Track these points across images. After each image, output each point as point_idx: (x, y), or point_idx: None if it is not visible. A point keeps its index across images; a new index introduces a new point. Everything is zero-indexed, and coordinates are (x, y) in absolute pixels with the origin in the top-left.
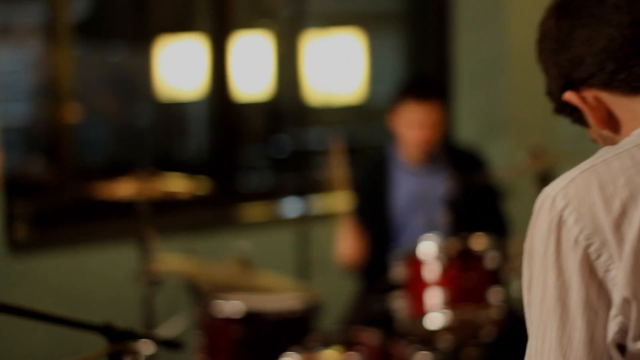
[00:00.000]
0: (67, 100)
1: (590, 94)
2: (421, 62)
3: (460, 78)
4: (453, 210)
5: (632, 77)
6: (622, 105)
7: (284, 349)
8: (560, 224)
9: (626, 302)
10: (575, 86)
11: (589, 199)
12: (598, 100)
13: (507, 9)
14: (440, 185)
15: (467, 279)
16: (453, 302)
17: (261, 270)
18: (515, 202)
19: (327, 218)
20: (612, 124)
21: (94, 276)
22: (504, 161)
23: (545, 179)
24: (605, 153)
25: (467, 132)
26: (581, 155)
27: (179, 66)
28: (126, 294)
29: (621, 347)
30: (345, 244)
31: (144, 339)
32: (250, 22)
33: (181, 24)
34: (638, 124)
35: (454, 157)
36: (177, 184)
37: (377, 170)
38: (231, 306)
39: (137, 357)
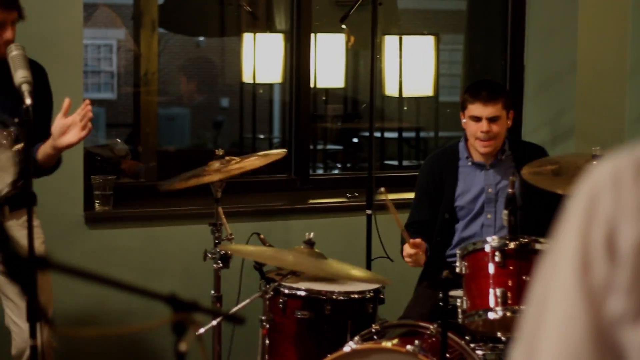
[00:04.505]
0: (150, 83)
1: None
2: (490, 63)
3: (530, 83)
4: (517, 208)
5: None
6: None
7: (347, 333)
8: (599, 195)
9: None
10: None
11: (633, 181)
12: None
13: (580, 17)
14: (505, 183)
15: (528, 276)
16: (513, 299)
17: (328, 255)
18: None
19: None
20: None
21: (165, 252)
22: None
23: None
24: None
25: (533, 136)
26: None
27: (262, 58)
28: (195, 271)
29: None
30: (410, 252)
31: (207, 312)
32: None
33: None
34: None
35: (519, 152)
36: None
37: (446, 162)
38: (297, 289)
39: (199, 328)
